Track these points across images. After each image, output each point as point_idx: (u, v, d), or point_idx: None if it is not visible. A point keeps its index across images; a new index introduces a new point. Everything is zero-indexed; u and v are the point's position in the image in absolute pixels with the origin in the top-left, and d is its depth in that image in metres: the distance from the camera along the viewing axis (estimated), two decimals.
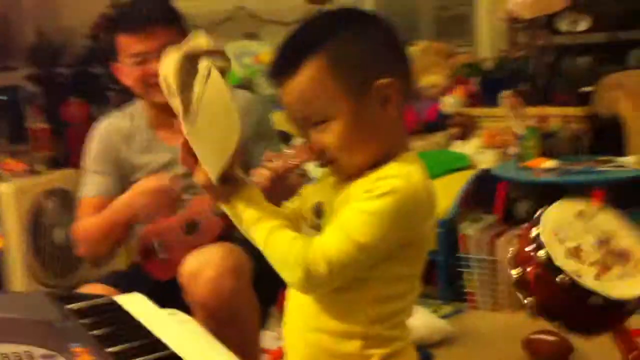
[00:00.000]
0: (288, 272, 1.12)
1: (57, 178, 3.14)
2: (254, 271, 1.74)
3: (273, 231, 1.14)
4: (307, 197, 1.28)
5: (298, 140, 1.66)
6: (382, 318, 1.14)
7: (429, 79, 3.72)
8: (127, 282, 1.74)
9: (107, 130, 1.95)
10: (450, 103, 3.50)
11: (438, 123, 3.54)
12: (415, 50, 3.89)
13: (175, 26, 1.86)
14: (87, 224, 1.90)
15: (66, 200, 3.03)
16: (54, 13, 4.23)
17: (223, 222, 1.82)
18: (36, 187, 2.95)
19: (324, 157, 1.14)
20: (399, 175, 1.08)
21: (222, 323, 1.59)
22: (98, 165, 1.94)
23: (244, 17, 4.46)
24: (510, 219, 2.93)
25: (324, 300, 1.15)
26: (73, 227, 1.94)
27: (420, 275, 1.22)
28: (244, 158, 1.84)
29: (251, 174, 1.69)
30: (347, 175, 1.16)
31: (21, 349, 1.07)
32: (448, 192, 2.86)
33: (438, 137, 3.40)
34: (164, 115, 1.91)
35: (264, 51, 4.10)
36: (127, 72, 1.88)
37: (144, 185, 1.80)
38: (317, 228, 1.19)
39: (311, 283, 1.09)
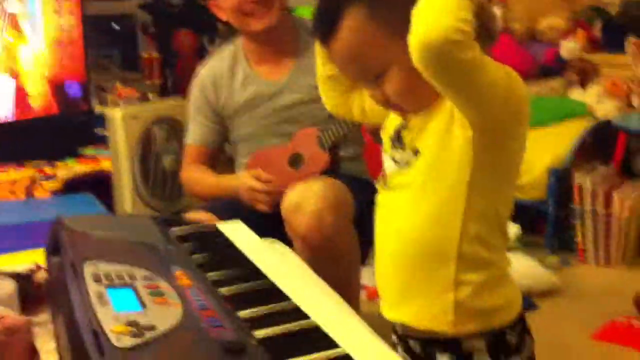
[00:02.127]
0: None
1: (166, 106, 3.19)
2: (356, 208, 1.72)
3: None
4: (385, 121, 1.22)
5: None
6: (480, 237, 1.08)
7: (548, 21, 3.55)
8: (231, 210, 1.77)
9: (206, 77, 1.98)
10: (569, 47, 3.33)
11: (556, 68, 3.37)
12: None
13: None
14: (194, 179, 2.00)
15: (175, 127, 3.08)
16: None
17: (328, 157, 1.81)
18: (146, 113, 3.00)
19: (391, 107, 1.12)
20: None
21: (321, 257, 1.59)
22: (198, 114, 1.99)
23: None
24: (628, 172, 2.78)
25: (418, 214, 1.10)
26: (182, 172, 2.06)
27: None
28: None
29: None
30: (418, 112, 1.11)
31: (124, 268, 1.09)
32: (563, 140, 2.73)
33: (555, 83, 3.24)
34: (262, 48, 1.91)
35: None
36: (223, 4, 1.89)
37: (250, 183, 1.83)
38: (396, 157, 1.14)
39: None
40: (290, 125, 1.90)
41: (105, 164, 3.00)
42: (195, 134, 2.02)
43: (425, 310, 1.12)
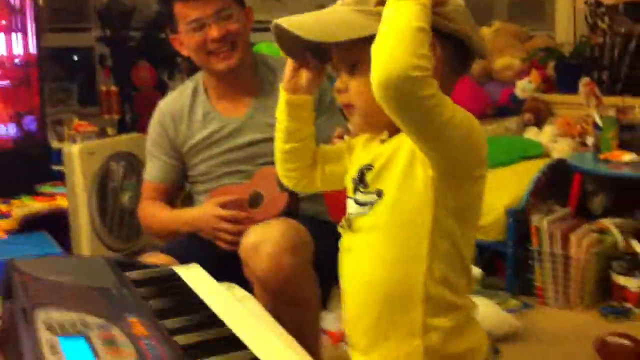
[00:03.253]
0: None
1: (124, 141, 3.15)
2: (316, 250, 1.72)
3: None
4: (347, 166, 1.22)
5: None
6: (446, 278, 1.07)
7: (503, 61, 3.62)
8: (188, 252, 1.75)
9: (165, 112, 1.97)
10: (524, 87, 3.40)
11: (511, 107, 3.44)
12: (489, 31, 3.80)
13: None
14: (151, 214, 1.97)
15: (133, 163, 3.04)
16: None
17: (287, 197, 1.81)
18: (104, 149, 2.97)
19: (346, 108, 1.14)
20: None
21: (281, 300, 1.59)
22: (157, 149, 1.97)
23: None
24: (584, 213, 2.82)
25: (383, 256, 1.10)
26: (138, 208, 2.03)
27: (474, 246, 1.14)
28: None
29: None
30: (367, 130, 1.16)
31: (78, 316, 1.06)
32: (520, 180, 2.77)
33: (510, 122, 3.30)
34: (223, 85, 1.91)
35: None
36: (186, 41, 1.88)
37: (213, 211, 1.81)
38: (359, 200, 1.13)
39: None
40: (249, 164, 1.90)
41: (63, 201, 2.95)
42: (153, 170, 1.99)
43: (394, 356, 1.10)
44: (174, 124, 1.95)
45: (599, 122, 2.85)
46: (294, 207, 1.84)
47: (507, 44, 3.69)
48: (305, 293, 1.69)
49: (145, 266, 1.48)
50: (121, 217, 2.99)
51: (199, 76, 1.98)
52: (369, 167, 1.13)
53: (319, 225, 1.83)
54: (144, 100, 3.87)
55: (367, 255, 1.13)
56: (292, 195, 1.82)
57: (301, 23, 1.11)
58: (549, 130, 3.13)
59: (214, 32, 1.83)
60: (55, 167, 3.14)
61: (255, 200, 1.85)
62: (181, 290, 1.34)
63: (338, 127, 1.67)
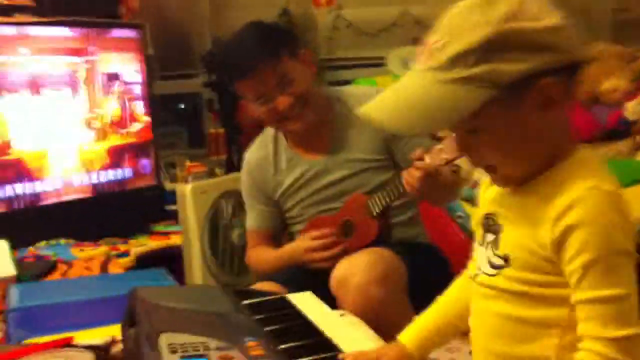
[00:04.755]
0: None
1: (233, 180, 3.25)
2: (409, 275, 1.70)
3: None
4: (477, 210, 1.17)
5: (448, 134, 1.60)
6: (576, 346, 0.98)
7: (610, 83, 3.52)
8: (297, 280, 1.78)
9: (253, 164, 2.02)
10: (633, 109, 3.29)
11: (620, 130, 3.33)
12: (593, 52, 3.70)
13: (285, 52, 1.84)
14: (257, 259, 2.06)
15: (241, 201, 3.10)
16: (229, 21, 4.40)
17: (377, 224, 1.82)
18: (214, 188, 3.07)
19: (478, 161, 1.04)
20: (588, 194, 0.95)
21: (376, 331, 1.54)
22: (252, 200, 2.04)
23: (410, 23, 4.45)
24: None
25: (514, 324, 1.04)
26: (246, 257, 2.12)
27: None
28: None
29: (401, 175, 1.67)
30: (510, 184, 1.05)
31: (199, 339, 1.11)
32: (636, 205, 2.66)
33: (621, 145, 3.19)
34: (303, 136, 1.93)
35: None
36: (257, 112, 1.90)
37: (304, 245, 1.88)
38: (487, 245, 1.08)
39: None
40: (337, 202, 1.92)
41: (176, 239, 3.06)
42: (252, 219, 2.06)
43: None
44: (262, 172, 2.00)
45: None
46: (386, 233, 1.85)
47: (612, 65, 3.58)
48: (397, 323, 1.67)
49: (259, 293, 1.53)
50: (231, 253, 3.07)
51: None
52: (492, 218, 1.09)
53: (416, 250, 1.82)
54: (249, 140, 3.97)
55: None
56: (383, 222, 1.83)
57: (389, 115, 1.01)
58: None
59: (281, 102, 1.82)
60: (168, 207, 3.28)
61: (347, 229, 1.87)
62: (295, 316, 1.38)
63: (418, 148, 1.65)
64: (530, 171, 1.02)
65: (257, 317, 1.33)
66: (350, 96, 1.95)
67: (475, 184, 3.06)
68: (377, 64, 4.00)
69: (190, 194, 2.92)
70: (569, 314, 0.99)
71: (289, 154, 1.98)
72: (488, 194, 1.14)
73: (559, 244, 0.97)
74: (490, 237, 1.08)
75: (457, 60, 0.94)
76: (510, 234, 1.04)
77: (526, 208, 1.02)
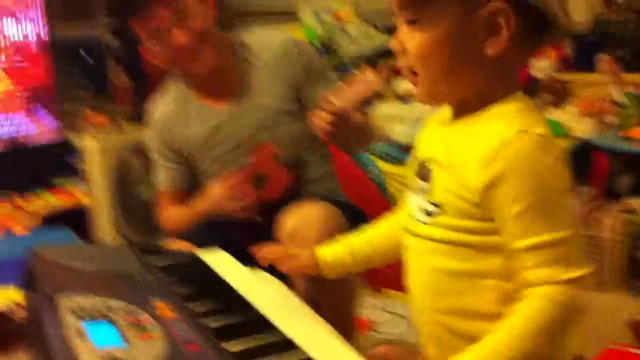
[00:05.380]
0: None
1: (141, 134, 3.13)
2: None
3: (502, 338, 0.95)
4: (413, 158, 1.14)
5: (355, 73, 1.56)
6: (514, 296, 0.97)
7: None
8: (206, 238, 1.73)
9: (159, 120, 1.91)
10: (541, 67, 3.34)
11: (528, 88, 3.39)
12: None
13: None
14: (170, 220, 1.96)
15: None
16: None
17: (288, 173, 1.78)
18: (121, 142, 2.95)
19: (404, 62, 1.01)
20: (515, 138, 0.93)
21: (319, 285, 1.53)
22: (160, 157, 1.94)
23: None
24: (610, 193, 2.77)
25: (450, 278, 1.02)
26: (158, 220, 2.02)
27: None
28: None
29: (310, 119, 1.63)
30: (430, 101, 1.04)
31: (102, 301, 1.05)
32: None
33: None
34: (207, 82, 1.84)
35: (342, 8, 4.00)
36: (155, 54, 1.78)
37: (216, 194, 1.80)
38: (420, 192, 1.06)
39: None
40: (249, 152, 1.86)
41: (81, 197, 2.93)
42: (162, 178, 1.96)
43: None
44: (170, 129, 1.89)
45: (620, 99, 2.79)
46: (298, 182, 1.81)
47: None
48: (343, 278, 1.67)
49: (169, 252, 1.46)
50: (143, 210, 2.97)
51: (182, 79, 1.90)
52: (426, 165, 1.07)
53: (341, 206, 1.80)
54: (158, 91, 3.84)
55: None
56: (293, 170, 1.79)
57: None
58: (568, 110, 3.08)
59: (177, 38, 1.72)
60: (72, 162, 3.13)
61: (258, 182, 1.82)
62: (206, 275, 1.33)
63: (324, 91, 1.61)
64: (453, 96, 1.01)
65: (166, 276, 1.27)
66: (255, 41, 1.87)
67: (389, 140, 3.06)
68: (287, 14, 3.91)
69: (98, 151, 2.79)
70: (503, 262, 0.97)
71: (197, 106, 1.89)
72: (423, 138, 1.11)
73: (490, 189, 0.94)
74: (423, 184, 1.05)
75: None
76: (440, 179, 1.02)
77: (454, 150, 1.00)
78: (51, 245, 1.55)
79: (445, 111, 1.09)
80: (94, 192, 2.83)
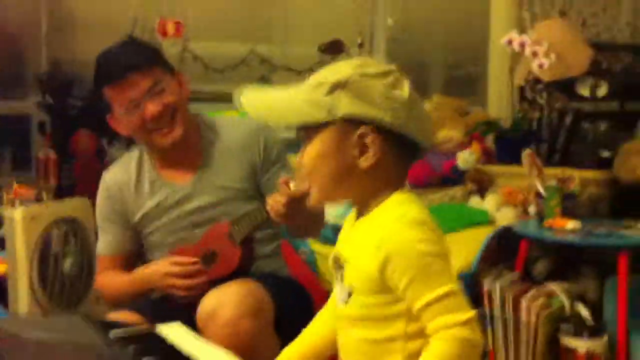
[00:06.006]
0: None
1: (65, 206, 3.03)
2: (276, 308, 1.69)
3: None
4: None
5: None
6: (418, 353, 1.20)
7: (444, 133, 3.72)
8: (154, 310, 1.71)
9: (112, 184, 1.94)
10: (466, 158, 3.49)
11: (453, 178, 3.52)
12: (430, 104, 3.91)
13: (159, 64, 1.86)
14: (108, 284, 1.95)
15: (74, 228, 2.93)
16: (68, 44, 4.22)
17: (240, 252, 1.78)
18: (45, 214, 2.84)
19: (300, 171, 1.29)
20: (392, 226, 1.20)
21: None
22: (107, 222, 1.94)
23: (257, 62, 4.49)
24: (530, 277, 2.87)
25: (368, 345, 1.25)
26: (96, 283, 2.00)
27: None
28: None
29: (266, 201, 1.67)
30: (322, 203, 1.31)
31: None
32: (469, 246, 2.81)
33: (455, 191, 3.37)
34: (169, 155, 1.87)
35: None
36: (125, 123, 1.85)
37: (165, 269, 1.77)
38: (339, 279, 1.29)
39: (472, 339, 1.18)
40: (202, 229, 1.87)
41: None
42: (105, 243, 1.94)
43: None
44: (122, 195, 1.90)
45: (542, 190, 2.93)
46: (249, 261, 1.81)
47: (447, 116, 3.80)
48: (267, 356, 1.65)
49: (125, 324, 1.43)
50: (62, 284, 2.85)
51: (142, 147, 1.94)
52: (338, 256, 1.31)
53: (280, 283, 1.80)
54: (83, 167, 3.79)
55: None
56: (246, 249, 1.80)
57: (256, 106, 1.26)
58: (492, 199, 3.21)
59: (150, 110, 1.80)
60: None
61: (209, 259, 1.81)
62: (169, 348, 1.30)
63: (282, 175, 1.69)
64: (341, 199, 1.29)
65: (130, 349, 1.24)
66: (220, 125, 1.92)
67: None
68: (225, 100, 3.97)
69: (20, 220, 2.68)
70: (406, 326, 1.21)
71: (152, 176, 1.90)
72: (341, 235, 1.35)
73: (383, 271, 1.19)
74: (339, 273, 1.29)
75: (317, 86, 1.22)
76: (350, 266, 1.26)
77: (357, 242, 1.25)
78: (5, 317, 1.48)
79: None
80: (13, 263, 2.71)
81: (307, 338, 1.43)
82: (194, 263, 1.80)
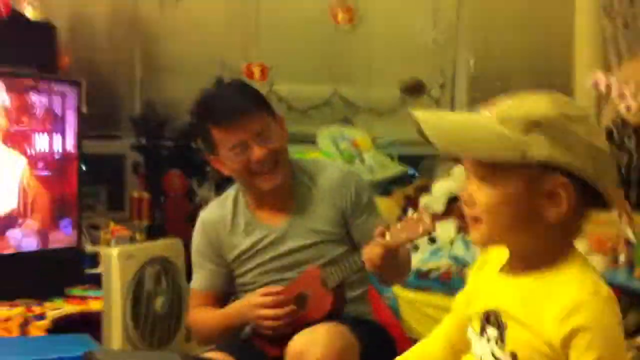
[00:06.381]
0: None
1: (158, 246, 3.17)
2: (361, 352, 1.71)
3: None
4: (469, 297, 1.23)
5: (408, 214, 1.67)
6: None
7: None
8: (242, 352, 1.75)
9: (208, 222, 1.99)
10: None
11: None
12: None
13: (265, 110, 1.90)
14: (201, 319, 1.98)
15: (166, 268, 3.05)
16: (161, 85, 4.39)
17: (332, 297, 1.81)
18: (140, 254, 2.98)
19: (471, 212, 1.12)
20: (589, 299, 1.05)
21: None
22: (202, 258, 1.99)
23: (339, 103, 4.56)
24: None
25: None
26: (188, 318, 2.06)
27: None
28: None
29: (362, 250, 1.70)
30: (488, 246, 1.17)
31: None
32: None
33: None
34: (265, 197, 1.93)
35: (360, 136, 4.15)
36: (229, 164, 1.89)
37: (254, 301, 1.82)
38: (489, 339, 1.14)
39: None
40: (294, 272, 1.91)
41: (93, 304, 2.94)
42: (199, 279, 2.00)
43: None
44: (217, 233, 1.96)
45: (632, 238, 2.87)
46: (340, 307, 1.84)
47: None
48: None
49: None
50: (153, 322, 2.96)
51: (239, 185, 2.01)
52: (495, 315, 1.14)
53: (366, 327, 1.83)
54: (174, 207, 3.93)
55: None
56: (338, 295, 1.82)
57: (436, 130, 1.09)
58: (581, 247, 3.15)
59: (257, 154, 1.84)
60: (88, 271, 3.14)
61: (301, 301, 1.85)
62: None
63: (379, 225, 1.71)
64: (511, 249, 1.13)
65: None
66: (312, 168, 1.98)
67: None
68: (307, 140, 4.05)
69: (117, 259, 2.82)
70: None
71: (248, 217, 1.96)
72: (483, 280, 1.21)
73: (566, 342, 1.05)
74: (493, 331, 1.13)
75: (509, 121, 1.07)
76: (516, 331, 1.10)
77: (529, 307, 1.09)
78: (101, 349, 1.55)
79: (492, 256, 1.21)
80: (108, 301, 2.84)
81: None
82: (285, 294, 1.83)
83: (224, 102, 1.91)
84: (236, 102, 1.89)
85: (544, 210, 1.07)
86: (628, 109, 3.31)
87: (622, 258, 2.93)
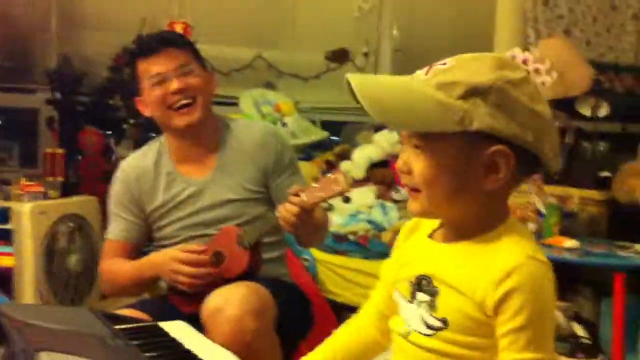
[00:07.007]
0: None
1: (72, 203, 3.10)
2: (278, 313, 1.72)
3: None
4: (397, 263, 1.18)
5: (325, 174, 1.69)
6: None
7: None
8: (156, 310, 1.74)
9: (129, 172, 1.96)
10: None
11: None
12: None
13: (190, 49, 1.94)
14: (114, 269, 1.94)
15: (81, 226, 2.99)
16: (79, 41, 4.26)
17: (249, 256, 1.82)
18: (53, 210, 2.91)
19: (407, 180, 1.08)
20: (526, 262, 1.02)
21: None
22: (120, 209, 1.96)
23: (263, 67, 4.54)
24: None
25: None
26: (100, 267, 2.00)
27: None
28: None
29: (276, 209, 1.71)
30: (425, 217, 1.12)
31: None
32: None
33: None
34: (185, 145, 1.92)
35: (282, 101, 4.14)
36: (148, 99, 1.90)
37: (172, 254, 1.81)
38: (420, 304, 1.10)
39: None
40: (213, 227, 1.90)
41: (5, 261, 2.85)
42: (116, 229, 1.96)
43: None
44: (138, 183, 1.94)
45: (542, 209, 2.98)
46: (256, 265, 1.84)
47: None
48: (266, 356, 1.69)
49: (131, 319, 1.46)
50: (67, 280, 2.91)
51: (163, 138, 1.99)
52: (425, 281, 1.10)
53: (282, 288, 1.84)
54: (89, 165, 3.83)
55: None
56: (254, 254, 1.83)
57: (370, 100, 1.02)
58: None
59: (174, 84, 1.86)
60: None
61: (217, 260, 1.84)
62: (172, 343, 1.34)
63: (296, 185, 1.72)
64: (448, 217, 1.09)
65: (135, 342, 1.28)
66: (236, 127, 1.97)
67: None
68: (230, 102, 4.02)
69: (29, 215, 2.74)
70: None
71: (169, 169, 1.94)
72: (412, 247, 1.17)
73: (498, 306, 1.02)
74: (423, 296, 1.10)
75: (446, 85, 1.01)
76: (448, 297, 1.07)
77: (464, 271, 1.06)
78: (11, 304, 1.51)
79: (421, 223, 1.17)
80: (19, 257, 2.76)
81: (337, 346, 1.26)
82: (203, 253, 1.82)
83: (151, 36, 2.00)
84: (162, 35, 1.99)
85: (482, 179, 1.03)
86: (542, 84, 3.41)
87: (531, 227, 3.03)
